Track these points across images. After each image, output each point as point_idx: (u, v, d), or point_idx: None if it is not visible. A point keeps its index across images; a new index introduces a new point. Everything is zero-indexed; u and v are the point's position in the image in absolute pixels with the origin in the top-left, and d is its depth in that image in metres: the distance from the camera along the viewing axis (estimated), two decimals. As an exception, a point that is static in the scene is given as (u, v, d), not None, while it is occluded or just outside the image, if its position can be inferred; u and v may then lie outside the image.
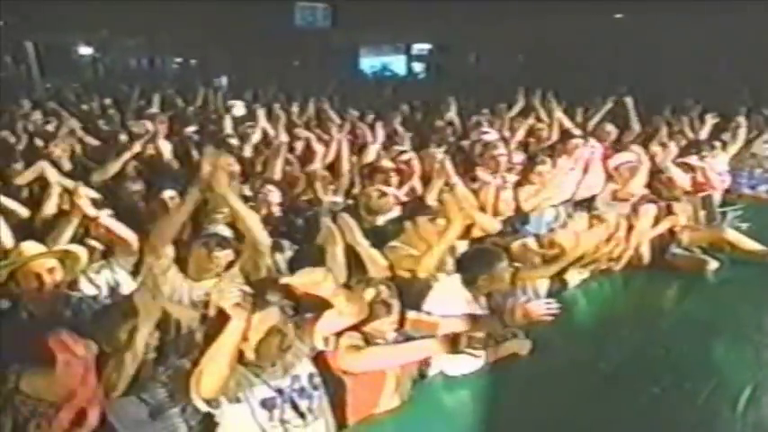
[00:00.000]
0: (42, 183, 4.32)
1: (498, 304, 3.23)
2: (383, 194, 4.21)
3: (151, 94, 8.87)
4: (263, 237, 3.16)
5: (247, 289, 2.23)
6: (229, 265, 3.10)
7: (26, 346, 2.33)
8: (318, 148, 5.36)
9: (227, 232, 3.22)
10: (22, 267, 3.01)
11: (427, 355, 2.85)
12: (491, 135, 6.10)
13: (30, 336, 2.35)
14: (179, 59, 18.55)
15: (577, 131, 6.43)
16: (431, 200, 4.28)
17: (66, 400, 2.26)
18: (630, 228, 4.20)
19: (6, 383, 2.28)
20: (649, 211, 4.39)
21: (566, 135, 6.20)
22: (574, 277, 3.86)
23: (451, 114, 7.64)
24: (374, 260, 3.34)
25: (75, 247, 3.26)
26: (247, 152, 5.71)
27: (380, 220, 4.13)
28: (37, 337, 2.27)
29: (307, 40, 16.76)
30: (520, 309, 3.02)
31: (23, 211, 3.92)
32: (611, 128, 6.46)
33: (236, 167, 4.69)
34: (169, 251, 3.01)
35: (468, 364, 2.88)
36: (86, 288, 3.15)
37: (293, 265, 3.42)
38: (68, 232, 3.41)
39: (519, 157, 5.51)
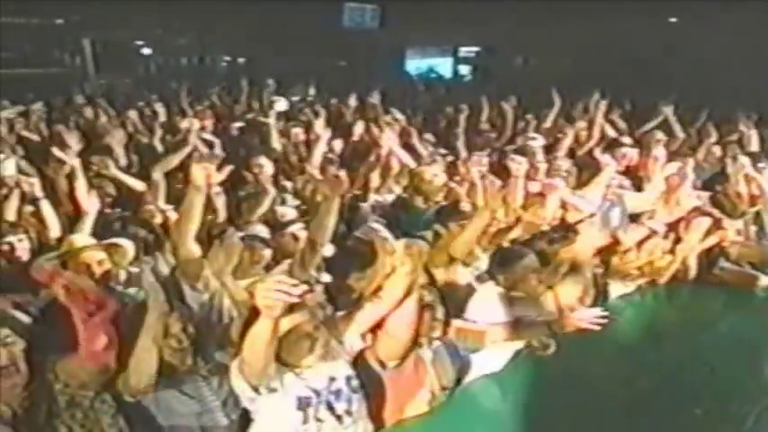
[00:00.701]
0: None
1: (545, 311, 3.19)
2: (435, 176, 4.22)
3: (199, 92, 9.08)
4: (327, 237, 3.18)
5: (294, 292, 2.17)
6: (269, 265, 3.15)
7: (66, 337, 2.39)
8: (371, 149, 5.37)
9: (264, 233, 3.27)
10: (73, 258, 3.13)
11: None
12: (538, 141, 6.02)
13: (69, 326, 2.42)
14: (227, 58, 18.86)
15: (627, 139, 6.28)
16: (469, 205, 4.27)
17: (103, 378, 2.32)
18: (677, 240, 4.09)
19: (45, 372, 2.35)
20: (702, 224, 4.23)
21: (614, 142, 6.07)
22: (617, 289, 3.78)
23: (498, 119, 7.56)
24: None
25: (124, 241, 3.37)
26: (291, 149, 5.81)
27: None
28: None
29: (354, 41, 16.85)
30: (567, 317, 2.98)
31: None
32: (660, 135, 6.29)
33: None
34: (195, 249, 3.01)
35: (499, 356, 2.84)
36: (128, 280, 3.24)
37: (331, 265, 3.46)
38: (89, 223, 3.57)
39: (565, 164, 5.42)
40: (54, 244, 3.66)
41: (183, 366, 2.47)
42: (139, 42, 17.79)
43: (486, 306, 3.12)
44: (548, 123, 7.05)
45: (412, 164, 5.08)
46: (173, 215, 3.75)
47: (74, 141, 5.17)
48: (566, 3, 13.42)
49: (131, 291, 3.18)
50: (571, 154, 6.05)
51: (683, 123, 6.69)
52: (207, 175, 2.76)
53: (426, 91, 11.99)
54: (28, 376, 2.32)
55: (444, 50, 18.95)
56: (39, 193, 3.91)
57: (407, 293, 2.51)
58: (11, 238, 3.52)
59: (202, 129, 5.94)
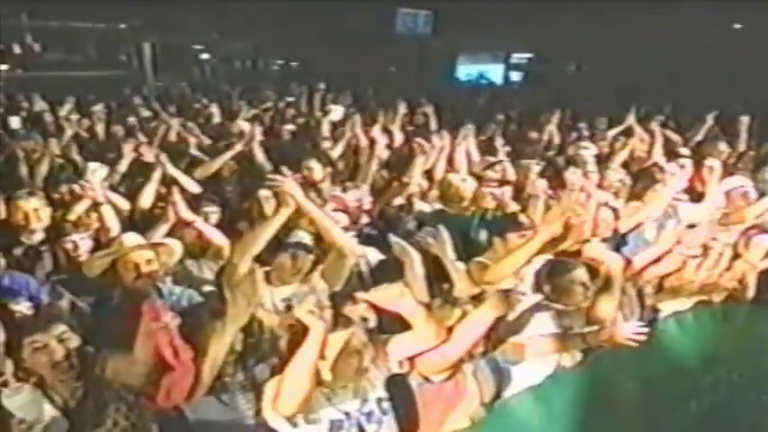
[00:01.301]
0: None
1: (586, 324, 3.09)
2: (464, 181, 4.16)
3: (252, 95, 9.25)
4: (344, 239, 3.17)
5: (324, 300, 2.19)
6: (309, 271, 3.14)
7: (115, 334, 2.45)
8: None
9: (307, 239, 3.28)
10: (123, 257, 3.21)
11: (491, 318, 2.60)
12: (590, 150, 5.87)
13: (118, 324, 2.47)
14: (281, 62, 19.16)
15: (685, 150, 6.06)
16: (523, 215, 4.19)
17: (147, 380, 2.35)
18: (736, 256, 3.91)
19: (94, 369, 2.40)
20: (763, 242, 4.04)
21: (672, 155, 5.85)
22: (668, 306, 3.64)
23: (549, 127, 7.42)
24: (460, 276, 3.23)
25: (172, 242, 3.43)
26: (340, 156, 5.83)
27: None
28: (123, 324, 2.39)
29: (406, 46, 16.88)
30: (606, 330, 2.88)
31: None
32: (723, 146, 6.03)
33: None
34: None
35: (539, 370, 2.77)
36: (177, 281, 3.31)
37: (377, 276, 3.44)
38: (163, 230, 3.60)
39: (618, 176, 5.26)
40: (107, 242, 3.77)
41: (228, 374, 2.49)
42: (196, 47, 18.26)
43: (534, 324, 3.04)
44: (600, 132, 6.87)
45: (463, 172, 5.03)
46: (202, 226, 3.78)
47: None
48: (622, 8, 13.10)
49: (176, 290, 3.23)
50: (624, 164, 5.89)
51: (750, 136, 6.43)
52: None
53: (477, 97, 11.89)
54: (80, 370, 2.38)
55: (496, 56, 18.77)
56: (101, 198, 4.03)
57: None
58: (74, 237, 3.65)
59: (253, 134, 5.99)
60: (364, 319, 2.70)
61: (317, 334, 2.22)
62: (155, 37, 16.17)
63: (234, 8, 15.39)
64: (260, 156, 5.62)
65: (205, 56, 18.60)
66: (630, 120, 6.72)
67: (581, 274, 3.13)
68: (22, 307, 2.77)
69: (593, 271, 3.26)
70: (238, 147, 5.35)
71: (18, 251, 3.65)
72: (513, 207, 4.46)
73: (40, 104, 8.27)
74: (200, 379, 2.42)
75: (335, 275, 3.14)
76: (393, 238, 3.41)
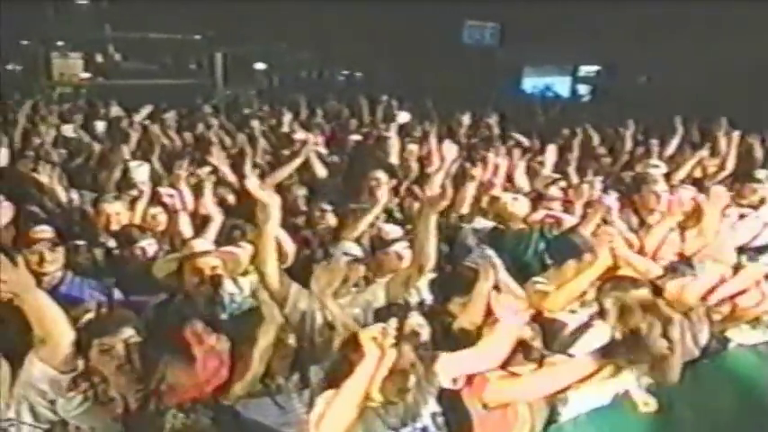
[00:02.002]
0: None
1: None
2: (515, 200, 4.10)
3: (317, 105, 9.40)
4: (431, 255, 3.14)
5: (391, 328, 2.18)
6: (366, 282, 3.16)
7: (175, 338, 2.53)
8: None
9: (355, 250, 3.29)
10: (190, 262, 3.30)
11: (582, 374, 2.61)
12: (660, 169, 5.67)
13: (178, 328, 2.56)
14: (346, 72, 19.42)
15: (762, 172, 5.75)
16: (582, 231, 4.08)
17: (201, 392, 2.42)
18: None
19: (155, 373, 2.48)
20: None
21: (745, 177, 5.58)
22: (737, 335, 3.44)
23: (616, 142, 7.20)
24: (517, 296, 3.13)
25: (239, 250, 3.51)
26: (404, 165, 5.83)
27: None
28: (183, 329, 2.48)
29: (472, 58, 16.82)
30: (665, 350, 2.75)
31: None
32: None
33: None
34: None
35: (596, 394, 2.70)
36: (230, 287, 3.35)
37: (434, 289, 3.43)
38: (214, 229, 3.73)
39: (688, 194, 5.06)
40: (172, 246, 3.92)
41: (282, 377, 2.54)
42: (263, 56, 18.75)
43: (587, 336, 2.96)
44: (671, 150, 6.62)
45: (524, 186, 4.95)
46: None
47: (216, 151, 5.42)
48: (692, 19, 12.61)
49: (237, 297, 3.31)
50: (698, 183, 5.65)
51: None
52: None
53: (543, 110, 11.69)
54: (143, 374, 2.47)
55: (563, 69, 18.42)
56: (179, 205, 4.16)
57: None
58: (143, 243, 3.79)
59: (315, 144, 6.09)
60: (416, 334, 2.69)
61: (371, 362, 2.15)
62: (226, 47, 16.75)
63: (301, 19, 15.79)
64: (317, 165, 5.65)
65: (272, 66, 19.07)
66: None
67: (645, 293, 3.02)
68: (90, 308, 2.88)
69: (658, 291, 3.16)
70: (303, 156, 5.45)
71: (97, 251, 3.83)
72: (572, 222, 4.36)
73: (116, 110, 8.65)
74: (244, 376, 2.48)
75: (401, 288, 3.15)
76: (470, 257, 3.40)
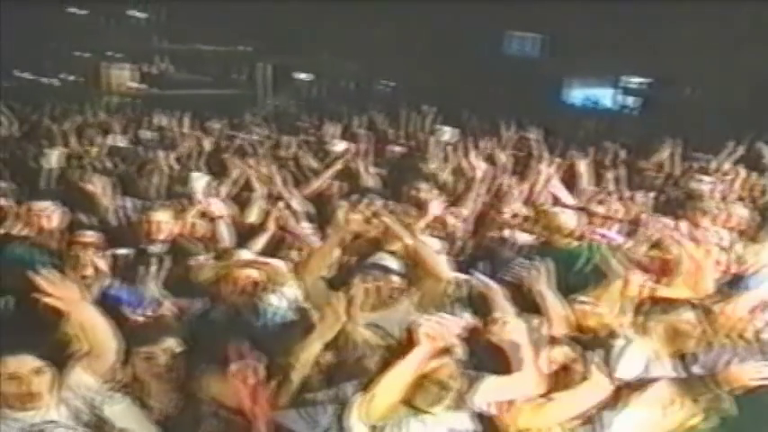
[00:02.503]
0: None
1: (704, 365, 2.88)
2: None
3: (358, 115, 9.45)
4: (441, 267, 3.14)
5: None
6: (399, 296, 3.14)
7: (213, 347, 2.55)
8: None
9: (389, 262, 3.28)
10: (231, 271, 3.34)
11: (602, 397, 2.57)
12: (707, 185, 5.52)
13: (218, 338, 2.58)
14: (390, 83, 19.47)
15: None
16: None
17: (237, 406, 2.42)
18: None
19: (193, 383, 2.51)
20: None
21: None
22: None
23: (662, 156, 7.03)
24: (560, 315, 3.04)
25: (279, 263, 3.54)
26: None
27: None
28: (222, 340, 2.50)
29: (513, 69, 16.71)
30: (725, 371, 2.67)
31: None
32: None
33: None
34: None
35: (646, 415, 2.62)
36: (274, 299, 3.34)
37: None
38: (263, 241, 3.75)
39: (739, 211, 4.91)
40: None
41: (316, 389, 2.54)
42: (307, 67, 19.01)
43: (634, 358, 2.88)
44: (718, 164, 6.43)
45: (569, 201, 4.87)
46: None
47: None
48: (740, 30, 12.24)
49: (273, 308, 3.29)
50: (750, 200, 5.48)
51: None
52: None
53: (587, 123, 11.50)
54: (181, 383, 2.51)
55: (606, 81, 18.10)
56: (219, 212, 4.22)
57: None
58: (201, 258, 3.75)
59: (356, 154, 6.13)
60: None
61: (423, 351, 2.25)
62: (271, 58, 17.05)
63: (345, 30, 15.98)
64: (363, 174, 5.70)
65: (314, 76, 19.30)
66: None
67: (691, 315, 2.93)
68: (135, 316, 2.93)
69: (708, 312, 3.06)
70: (338, 165, 5.50)
71: (139, 256, 3.90)
72: (620, 241, 4.26)
73: (164, 120, 8.86)
74: (286, 388, 2.47)
75: (432, 303, 3.13)
76: (477, 275, 3.35)
